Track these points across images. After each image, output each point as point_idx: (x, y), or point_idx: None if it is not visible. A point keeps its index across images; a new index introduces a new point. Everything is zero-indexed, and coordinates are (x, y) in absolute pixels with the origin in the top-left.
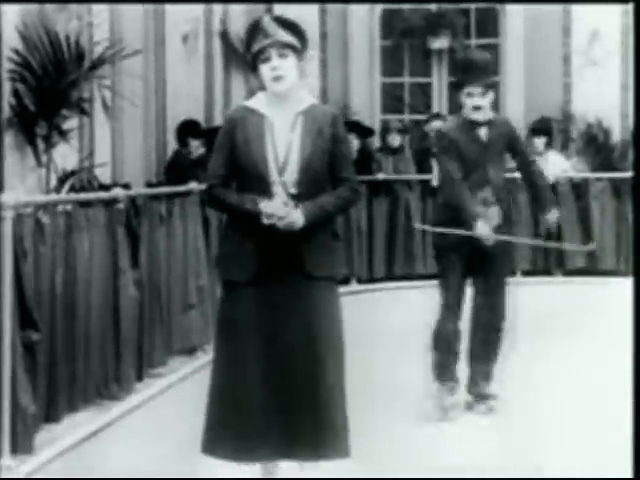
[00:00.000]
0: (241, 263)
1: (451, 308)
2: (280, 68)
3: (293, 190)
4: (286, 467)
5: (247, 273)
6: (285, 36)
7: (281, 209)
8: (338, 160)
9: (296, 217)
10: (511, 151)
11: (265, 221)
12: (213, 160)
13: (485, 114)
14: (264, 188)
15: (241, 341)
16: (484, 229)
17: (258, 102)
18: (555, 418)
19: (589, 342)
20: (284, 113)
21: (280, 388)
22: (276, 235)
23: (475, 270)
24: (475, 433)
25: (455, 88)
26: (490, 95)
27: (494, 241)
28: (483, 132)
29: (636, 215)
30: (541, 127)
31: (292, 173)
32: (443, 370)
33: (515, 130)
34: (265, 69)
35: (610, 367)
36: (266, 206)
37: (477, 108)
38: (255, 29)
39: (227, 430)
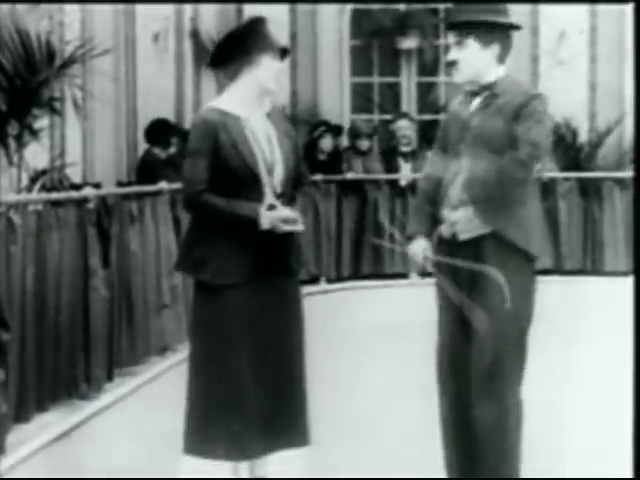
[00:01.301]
0: (234, 266)
1: None
2: (281, 71)
3: (279, 189)
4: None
5: (242, 276)
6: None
7: (289, 215)
8: (299, 158)
9: (300, 226)
10: (507, 136)
11: (265, 227)
12: (192, 165)
13: (462, 75)
14: (256, 190)
15: (232, 342)
16: (415, 249)
17: (228, 104)
18: (554, 415)
19: (562, 340)
20: (255, 115)
21: (270, 384)
22: (265, 237)
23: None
24: None
25: None
26: (472, 46)
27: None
28: (475, 103)
29: (636, 215)
30: None
31: (279, 173)
32: None
33: (530, 105)
34: (272, 64)
35: (594, 364)
36: (273, 213)
37: (450, 64)
38: (263, 26)
39: (219, 430)
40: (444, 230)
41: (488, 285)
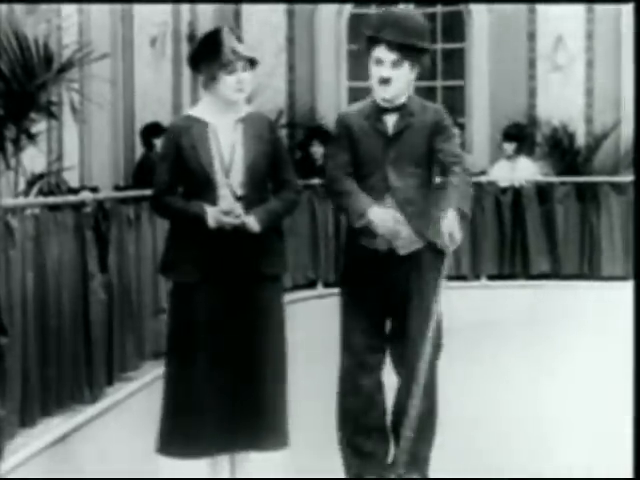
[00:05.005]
0: (191, 265)
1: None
2: (244, 81)
3: (239, 192)
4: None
5: (197, 274)
6: (247, 51)
7: (232, 216)
8: (279, 163)
9: (252, 223)
10: (432, 150)
11: (212, 225)
12: (158, 169)
13: (394, 92)
14: (211, 190)
15: (190, 342)
16: (379, 215)
17: (200, 111)
18: (553, 419)
19: (559, 344)
20: (225, 120)
21: (225, 387)
22: (225, 237)
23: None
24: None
25: (366, 51)
26: (405, 67)
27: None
28: (390, 120)
29: (636, 216)
30: (513, 132)
31: (237, 175)
32: None
33: (443, 121)
34: (230, 80)
35: (591, 368)
36: (218, 212)
37: (383, 82)
38: (216, 41)
39: (178, 430)
40: (380, 244)
41: (425, 290)
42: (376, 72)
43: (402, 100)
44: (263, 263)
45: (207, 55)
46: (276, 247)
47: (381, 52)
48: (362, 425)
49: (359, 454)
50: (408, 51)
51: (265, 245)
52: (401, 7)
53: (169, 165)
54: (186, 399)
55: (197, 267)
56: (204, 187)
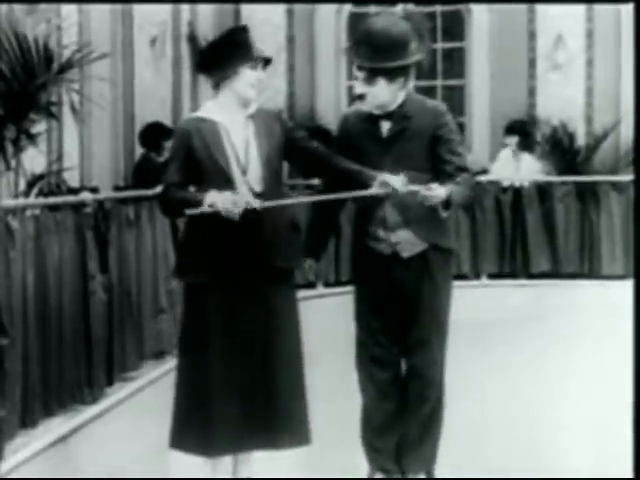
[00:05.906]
0: (204, 266)
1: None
2: (260, 79)
3: (257, 188)
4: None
5: (210, 274)
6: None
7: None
8: (303, 146)
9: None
10: (433, 154)
11: (207, 203)
12: (167, 170)
13: (372, 105)
14: (229, 189)
15: (204, 340)
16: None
17: (208, 111)
18: (553, 417)
19: (560, 343)
20: (235, 118)
21: (241, 384)
22: (238, 234)
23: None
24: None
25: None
26: (380, 83)
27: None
28: (385, 125)
29: (636, 215)
30: (515, 126)
31: (254, 171)
32: None
33: (444, 124)
34: (252, 75)
35: (591, 367)
36: (215, 194)
37: (358, 97)
38: (245, 37)
39: (191, 426)
40: (384, 248)
41: (436, 291)
42: (355, 86)
43: (393, 106)
44: (278, 257)
45: (233, 50)
46: (291, 240)
47: (355, 68)
48: (373, 421)
49: (372, 450)
50: (377, 71)
51: (280, 238)
52: (399, 8)
53: (179, 165)
54: (203, 396)
55: (210, 268)
56: (221, 186)
